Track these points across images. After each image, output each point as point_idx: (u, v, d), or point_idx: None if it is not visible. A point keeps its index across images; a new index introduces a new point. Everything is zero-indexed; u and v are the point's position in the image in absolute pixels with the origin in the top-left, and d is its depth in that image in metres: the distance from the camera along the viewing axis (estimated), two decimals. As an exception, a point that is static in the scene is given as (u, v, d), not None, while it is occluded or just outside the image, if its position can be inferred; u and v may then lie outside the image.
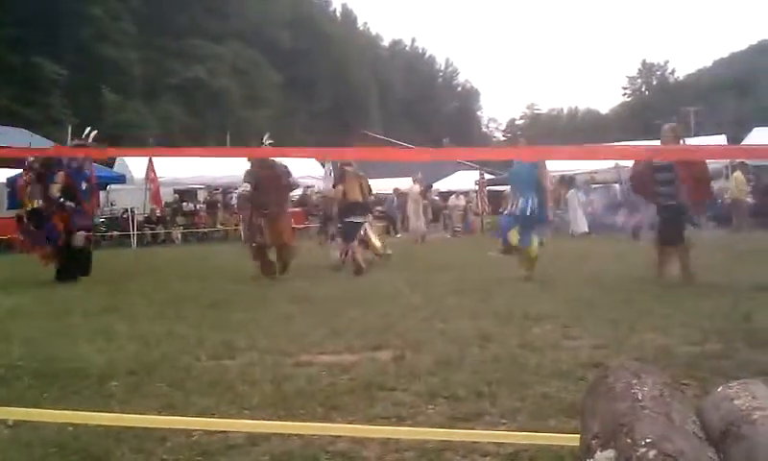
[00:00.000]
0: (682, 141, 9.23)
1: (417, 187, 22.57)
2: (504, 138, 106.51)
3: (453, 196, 26.84)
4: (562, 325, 5.89)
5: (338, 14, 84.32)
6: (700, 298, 7.12)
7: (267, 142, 11.30)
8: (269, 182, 10.50)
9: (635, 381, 1.89)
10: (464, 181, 29.68)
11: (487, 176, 28.49)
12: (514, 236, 9.62)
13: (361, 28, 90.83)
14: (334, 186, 12.71)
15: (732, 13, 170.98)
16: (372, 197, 13.69)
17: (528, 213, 9.47)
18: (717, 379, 3.94)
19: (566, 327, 5.81)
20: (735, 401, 1.82)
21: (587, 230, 20.90)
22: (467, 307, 6.97)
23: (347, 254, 11.66)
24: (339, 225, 12.25)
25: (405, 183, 26.46)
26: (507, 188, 29.30)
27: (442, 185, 35.31)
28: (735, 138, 26.67)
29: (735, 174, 20.44)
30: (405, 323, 6.16)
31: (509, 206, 10.07)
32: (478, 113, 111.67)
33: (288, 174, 10.96)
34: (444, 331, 5.70)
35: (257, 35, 58.49)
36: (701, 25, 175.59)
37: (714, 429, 1.76)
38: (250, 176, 10.62)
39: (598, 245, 16.33)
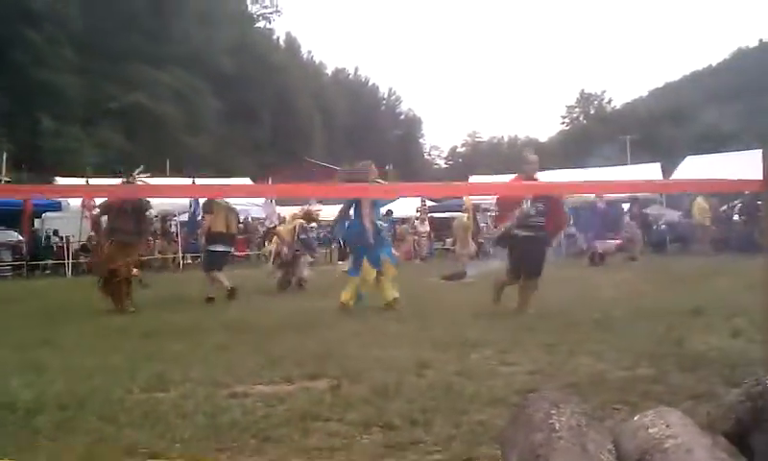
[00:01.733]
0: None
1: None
2: (446, 165, 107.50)
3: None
4: (499, 350, 5.92)
5: (281, 42, 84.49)
6: (636, 322, 7.26)
7: (138, 175, 11.37)
8: (123, 211, 10.51)
9: (553, 411, 1.90)
10: (405, 207, 29.80)
11: (429, 203, 28.63)
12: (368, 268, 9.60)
13: (305, 56, 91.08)
14: (202, 216, 13.03)
15: (666, 45, 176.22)
16: (240, 227, 13.97)
17: (372, 241, 9.51)
18: (648, 404, 4.02)
19: (503, 352, 5.84)
20: (650, 430, 1.84)
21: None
22: (405, 334, 6.96)
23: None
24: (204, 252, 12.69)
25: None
26: (449, 215, 29.75)
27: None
28: (669, 166, 27.36)
29: (698, 200, 20.79)
30: (343, 351, 6.11)
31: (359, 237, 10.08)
32: (421, 141, 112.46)
33: (146, 203, 11.13)
34: (381, 359, 5.66)
35: (199, 61, 57.98)
36: (637, 56, 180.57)
37: (630, 458, 1.77)
38: (104, 205, 10.91)
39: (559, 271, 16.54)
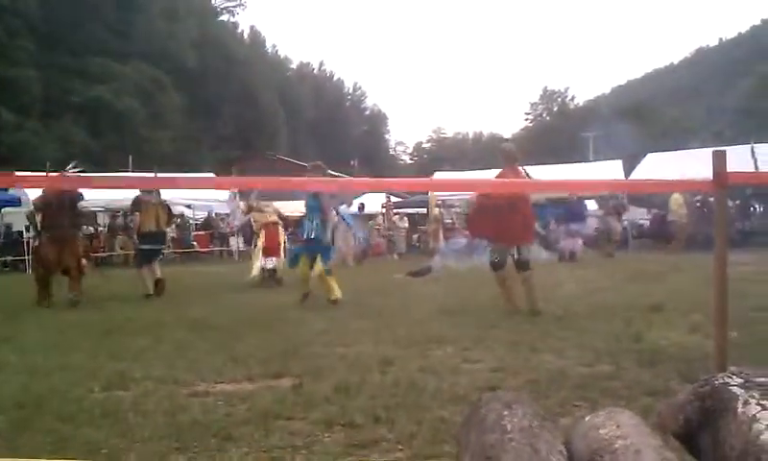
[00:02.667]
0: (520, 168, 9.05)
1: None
2: (411, 161, 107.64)
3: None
4: (462, 347, 5.96)
5: (246, 36, 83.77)
6: (596, 319, 7.35)
7: (71, 170, 11.36)
8: (58, 207, 10.71)
9: (505, 412, 1.91)
10: (370, 203, 29.78)
11: (393, 199, 28.66)
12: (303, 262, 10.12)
13: (269, 50, 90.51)
14: (132, 213, 13.10)
15: (628, 43, 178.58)
16: (175, 223, 14.03)
17: (312, 237, 10.02)
18: (607, 400, 4.08)
19: (466, 349, 5.88)
20: (601, 431, 1.86)
21: None
22: (369, 332, 6.97)
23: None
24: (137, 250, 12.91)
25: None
26: (415, 211, 29.78)
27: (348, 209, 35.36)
28: (631, 163, 27.68)
29: (674, 196, 20.79)
30: (307, 349, 6.10)
31: (301, 234, 10.60)
32: (386, 136, 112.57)
33: (79, 197, 11.34)
34: (345, 357, 5.67)
35: (163, 55, 57.22)
36: (599, 54, 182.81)
37: (581, 459, 1.79)
38: (40, 201, 11.08)
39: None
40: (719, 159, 3.53)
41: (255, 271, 13.32)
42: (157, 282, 11.84)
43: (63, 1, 50.58)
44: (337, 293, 9.73)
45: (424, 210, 27.30)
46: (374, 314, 8.28)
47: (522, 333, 6.58)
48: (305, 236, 10.19)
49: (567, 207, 19.43)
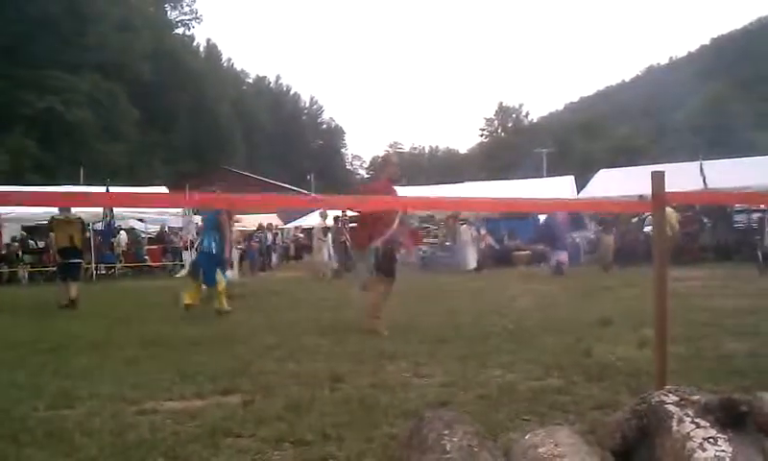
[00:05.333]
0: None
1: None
2: (368, 175, 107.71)
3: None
4: (414, 362, 5.97)
5: (202, 50, 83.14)
6: (548, 334, 7.42)
7: None
8: None
9: (446, 432, 1.92)
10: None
11: (349, 213, 28.60)
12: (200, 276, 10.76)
13: (225, 63, 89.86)
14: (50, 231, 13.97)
15: (581, 61, 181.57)
16: (83, 237, 14.71)
17: (214, 253, 10.66)
18: (555, 414, 4.12)
19: (418, 364, 5.88)
20: (539, 449, 1.88)
21: (475, 265, 21.29)
22: (322, 348, 6.94)
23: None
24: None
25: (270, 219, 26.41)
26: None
27: (304, 222, 35.38)
28: (583, 179, 28.11)
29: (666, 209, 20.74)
30: (258, 365, 6.05)
31: (199, 248, 11.31)
32: (343, 150, 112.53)
33: None
34: (296, 373, 5.63)
35: (117, 66, 56.41)
36: (553, 71, 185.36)
37: (519, 477, 1.81)
38: None
39: (473, 281, 16.86)
40: (657, 180, 3.59)
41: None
42: (71, 302, 12.33)
43: (15, 11, 49.65)
44: (226, 306, 10.39)
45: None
46: (327, 330, 8.24)
47: (473, 348, 6.61)
48: (205, 251, 10.76)
49: (520, 221, 19.57)
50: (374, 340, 7.32)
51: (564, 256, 18.62)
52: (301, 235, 35.55)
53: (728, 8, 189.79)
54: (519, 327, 7.99)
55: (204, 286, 10.85)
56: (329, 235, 22.08)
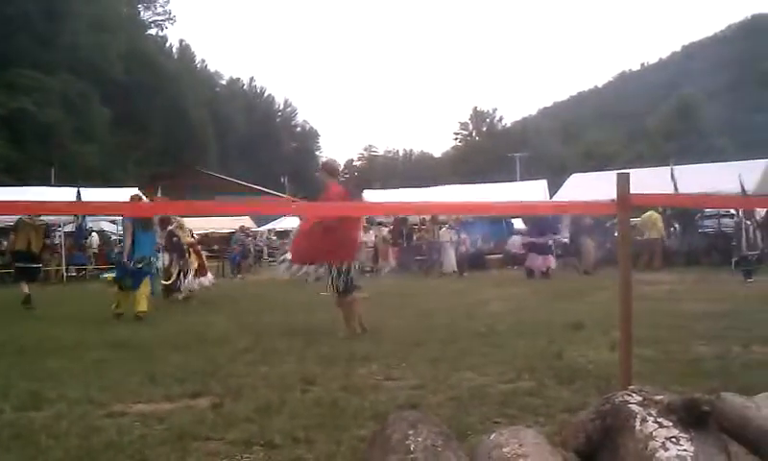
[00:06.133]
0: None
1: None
2: (342, 179, 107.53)
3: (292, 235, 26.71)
4: (386, 365, 5.96)
5: (175, 51, 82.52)
6: (519, 337, 7.45)
7: None
8: None
9: (410, 432, 1.92)
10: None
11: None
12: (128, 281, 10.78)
13: (199, 65, 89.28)
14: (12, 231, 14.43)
15: (554, 66, 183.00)
16: (43, 243, 14.75)
17: (142, 258, 10.79)
18: (526, 416, 4.13)
19: (390, 367, 5.88)
20: (504, 449, 1.89)
21: (455, 269, 21.32)
22: (293, 351, 6.91)
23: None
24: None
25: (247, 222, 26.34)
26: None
27: (278, 225, 35.25)
28: (555, 183, 28.30)
29: (651, 213, 21.06)
30: (228, 368, 6.01)
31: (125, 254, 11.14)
32: (317, 153, 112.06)
33: None
34: (266, 376, 5.60)
35: (89, 67, 55.80)
36: (527, 76, 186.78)
37: (484, 477, 1.81)
38: None
39: (451, 284, 16.92)
40: (622, 182, 3.63)
41: (185, 292, 13.22)
42: (26, 298, 12.75)
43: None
44: (145, 308, 10.48)
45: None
46: (299, 333, 8.20)
47: (445, 351, 6.62)
48: (131, 255, 10.79)
49: (492, 225, 19.58)
50: (346, 343, 7.31)
51: (549, 260, 18.70)
52: (274, 238, 35.39)
53: (699, 15, 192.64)
54: (491, 331, 8.01)
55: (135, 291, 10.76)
56: None
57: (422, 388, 5.07)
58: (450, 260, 21.61)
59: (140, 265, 10.69)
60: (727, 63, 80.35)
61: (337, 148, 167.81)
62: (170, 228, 13.33)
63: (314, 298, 13.03)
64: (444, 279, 19.68)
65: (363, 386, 5.13)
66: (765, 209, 17.81)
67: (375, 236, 24.01)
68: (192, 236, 14.48)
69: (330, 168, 8.79)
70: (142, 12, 75.91)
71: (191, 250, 13.61)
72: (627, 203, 3.64)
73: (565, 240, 21.24)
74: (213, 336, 8.21)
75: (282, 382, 5.29)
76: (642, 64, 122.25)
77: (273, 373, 5.75)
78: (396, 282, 17.82)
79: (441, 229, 22.41)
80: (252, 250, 27.81)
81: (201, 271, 13.49)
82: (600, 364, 5.79)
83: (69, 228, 24.32)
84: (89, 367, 6.22)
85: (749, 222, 16.91)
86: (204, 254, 14.58)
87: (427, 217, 23.77)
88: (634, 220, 21.15)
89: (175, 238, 13.29)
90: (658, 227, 21.12)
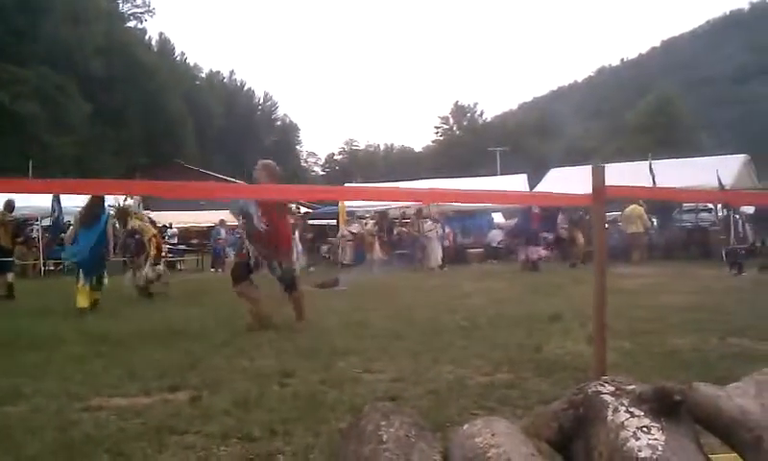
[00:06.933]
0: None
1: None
2: (323, 173, 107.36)
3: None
4: (366, 358, 5.97)
5: (154, 43, 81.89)
6: (499, 330, 7.49)
7: None
8: None
9: (383, 423, 1.93)
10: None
11: (303, 209, 28.53)
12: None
13: (178, 57, 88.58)
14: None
15: (535, 61, 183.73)
16: (13, 240, 15.20)
17: (89, 255, 10.95)
18: (505, 409, 4.15)
19: (370, 360, 5.89)
20: (476, 439, 1.90)
21: (440, 263, 21.36)
22: (273, 344, 6.90)
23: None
24: None
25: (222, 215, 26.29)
26: (326, 222, 29.70)
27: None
28: (535, 177, 28.45)
29: (634, 207, 21.21)
30: (207, 361, 6.00)
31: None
32: (297, 147, 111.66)
33: None
34: (245, 369, 5.59)
35: (67, 59, 55.28)
36: (508, 71, 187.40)
37: (455, 467, 1.83)
38: None
39: (432, 278, 16.96)
40: (597, 175, 3.65)
41: (142, 281, 13.13)
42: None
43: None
44: (84, 304, 10.53)
45: (334, 222, 27.31)
46: (280, 326, 8.18)
47: (424, 344, 6.64)
48: (84, 249, 10.99)
49: (472, 219, 19.64)
50: (326, 335, 7.31)
51: (541, 252, 18.81)
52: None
53: (677, 11, 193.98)
54: (471, 324, 8.04)
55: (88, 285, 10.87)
56: (296, 233, 21.98)
57: (402, 381, 5.07)
58: (436, 254, 21.63)
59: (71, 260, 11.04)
60: (705, 59, 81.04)
61: (318, 142, 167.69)
62: (129, 227, 13.35)
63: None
64: (426, 272, 19.71)
65: (342, 379, 5.13)
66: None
67: (357, 231, 24.04)
68: (155, 227, 14.65)
69: (271, 170, 8.63)
70: (121, 5, 75.26)
71: (153, 239, 13.53)
72: (602, 195, 3.67)
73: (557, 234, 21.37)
74: (191, 330, 8.16)
75: (261, 375, 5.28)
76: (622, 60, 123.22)
77: (251, 366, 5.74)
78: (378, 276, 17.84)
79: (426, 222, 22.42)
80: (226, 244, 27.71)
81: (156, 259, 13.35)
82: (578, 356, 5.83)
83: (47, 222, 24.08)
84: (67, 361, 6.17)
85: (738, 216, 17.09)
86: (163, 246, 14.78)
87: (410, 211, 23.79)
88: (613, 214, 21.42)
89: (137, 236, 13.28)
90: (642, 221, 21.29)
